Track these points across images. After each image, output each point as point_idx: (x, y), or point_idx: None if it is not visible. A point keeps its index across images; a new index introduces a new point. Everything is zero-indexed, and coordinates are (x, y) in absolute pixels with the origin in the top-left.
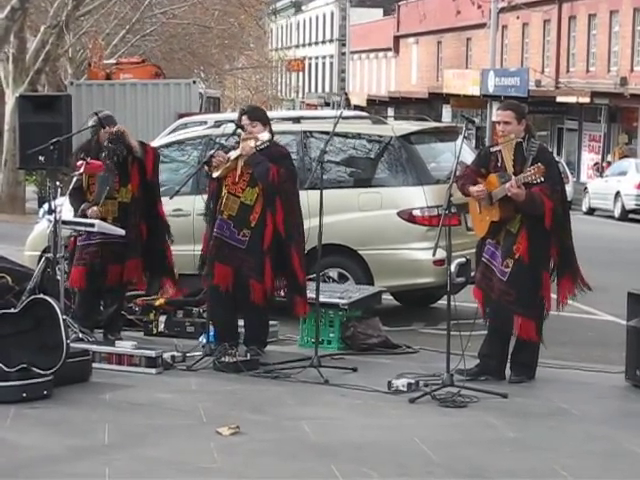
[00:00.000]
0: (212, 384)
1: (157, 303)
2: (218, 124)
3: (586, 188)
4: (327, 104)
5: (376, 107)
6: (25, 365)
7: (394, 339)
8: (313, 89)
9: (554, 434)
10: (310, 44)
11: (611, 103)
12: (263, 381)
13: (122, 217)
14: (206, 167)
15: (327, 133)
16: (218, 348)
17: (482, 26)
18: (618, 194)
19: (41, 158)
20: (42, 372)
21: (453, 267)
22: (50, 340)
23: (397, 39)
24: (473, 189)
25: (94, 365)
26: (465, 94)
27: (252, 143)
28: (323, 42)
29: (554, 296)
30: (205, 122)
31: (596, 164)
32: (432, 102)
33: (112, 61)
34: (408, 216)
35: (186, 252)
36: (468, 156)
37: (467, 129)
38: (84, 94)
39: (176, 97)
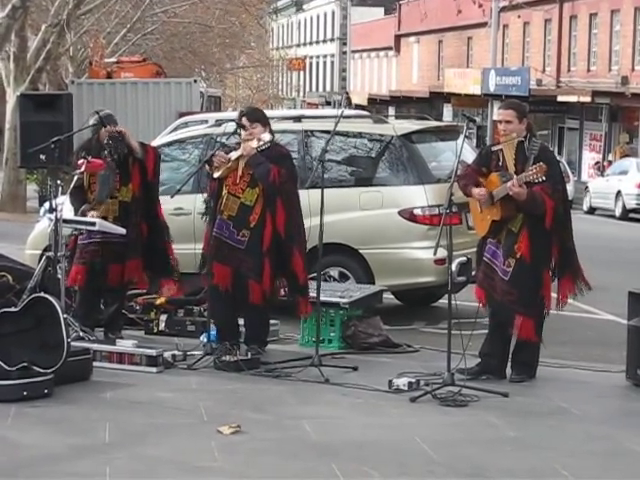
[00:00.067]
0: (213, 383)
1: (158, 302)
2: (219, 123)
3: (587, 187)
4: (328, 103)
5: (377, 106)
6: (26, 364)
7: (395, 338)
8: (314, 88)
9: (554, 433)
10: (311, 43)
11: (612, 102)
12: (264, 380)
13: (123, 216)
14: (207, 166)
15: (328, 132)
16: (219, 347)
17: (483, 25)
18: (619, 193)
19: (42, 157)
20: (43, 371)
21: (454, 266)
22: (51, 339)
23: (398, 38)
24: (475, 191)
25: (95, 364)
26: (466, 93)
27: (254, 144)
28: (324, 41)
29: (554, 295)
30: (206, 121)
31: (597, 163)
32: (433, 101)
33: (113, 60)
34: (409, 215)
35: (187, 251)
36: (469, 155)
37: (468, 128)
38: (85, 93)
39: (177, 96)
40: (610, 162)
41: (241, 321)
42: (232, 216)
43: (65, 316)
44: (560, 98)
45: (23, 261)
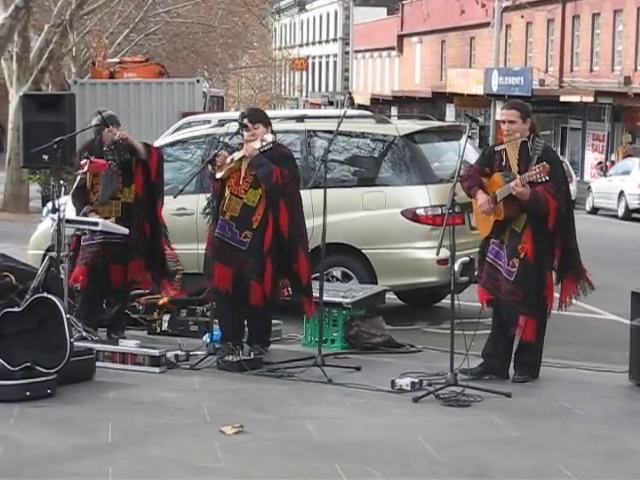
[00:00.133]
0: (216, 383)
1: (161, 302)
2: (222, 123)
3: (590, 187)
4: (331, 103)
5: (380, 106)
6: (29, 364)
7: (398, 338)
8: (317, 88)
9: (557, 433)
10: (314, 43)
11: (615, 102)
12: (267, 380)
13: (125, 217)
14: (210, 166)
15: (331, 132)
16: (222, 347)
17: (486, 25)
18: (622, 193)
19: (45, 157)
20: (46, 371)
21: (457, 266)
22: (54, 339)
23: (401, 38)
24: (480, 201)
25: (98, 364)
26: (469, 93)
27: (256, 145)
28: (327, 41)
29: (557, 295)
30: (209, 121)
31: (600, 163)
32: (436, 101)
33: (116, 60)
34: (412, 215)
35: (189, 251)
36: (472, 155)
37: (471, 128)
38: (88, 93)
39: (180, 96)
40: (613, 162)
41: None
42: (234, 217)
43: (68, 316)
44: (563, 98)
45: (26, 261)
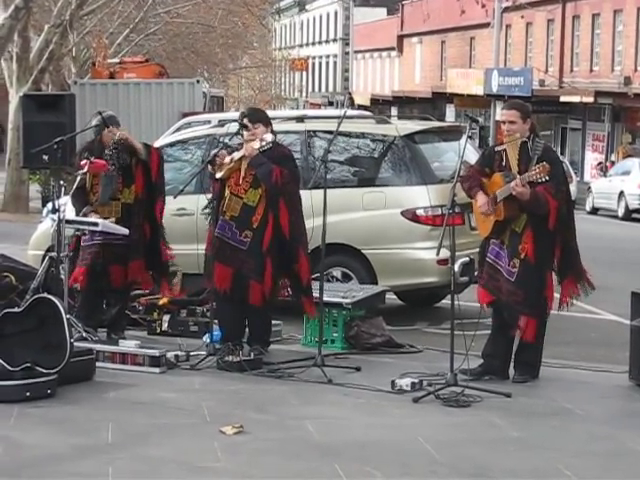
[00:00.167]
0: (216, 383)
1: (161, 302)
2: (222, 123)
3: (590, 188)
4: (331, 103)
5: (380, 106)
6: (29, 364)
7: (398, 338)
8: (317, 88)
9: (558, 434)
10: (314, 43)
11: (615, 103)
12: (267, 380)
13: (125, 218)
14: (210, 166)
15: (331, 132)
16: (222, 347)
17: (486, 25)
18: (622, 194)
19: (45, 157)
20: (46, 371)
21: (457, 266)
22: (54, 339)
23: (401, 38)
24: (479, 202)
25: (98, 364)
26: (469, 93)
27: (256, 144)
28: (327, 41)
29: (557, 295)
30: (209, 121)
31: (600, 164)
32: (436, 101)
33: (116, 60)
34: (412, 215)
35: (190, 251)
36: (472, 155)
37: (471, 128)
38: (88, 93)
39: (180, 96)
40: (613, 162)
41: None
42: (234, 217)
43: (68, 316)
44: (563, 98)
45: (26, 261)
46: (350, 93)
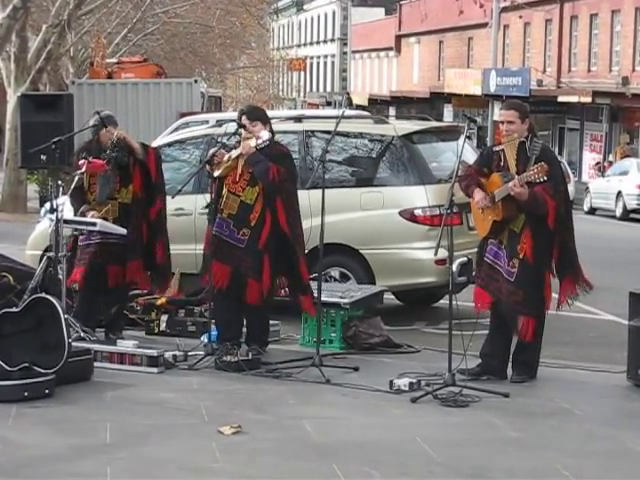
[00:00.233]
0: (214, 383)
1: (159, 302)
2: (220, 123)
3: (587, 188)
4: (329, 103)
5: (377, 106)
6: (27, 364)
7: (396, 338)
8: (315, 88)
9: (556, 434)
10: (312, 43)
11: (613, 103)
12: (265, 380)
13: (122, 218)
14: (208, 166)
15: (329, 132)
16: (220, 347)
17: (484, 25)
18: (619, 194)
19: (43, 157)
20: (44, 371)
21: (455, 267)
22: (52, 339)
23: (399, 38)
24: (475, 198)
25: (96, 364)
26: (467, 94)
27: (252, 142)
28: (325, 41)
29: (555, 296)
30: (207, 121)
31: (597, 164)
32: (434, 101)
33: (114, 60)
34: (410, 215)
35: (188, 251)
36: (470, 155)
37: (469, 128)
38: (85, 93)
39: (178, 96)
40: (611, 163)
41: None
42: (232, 215)
43: (66, 316)
44: (561, 98)
45: (24, 261)
46: (348, 93)
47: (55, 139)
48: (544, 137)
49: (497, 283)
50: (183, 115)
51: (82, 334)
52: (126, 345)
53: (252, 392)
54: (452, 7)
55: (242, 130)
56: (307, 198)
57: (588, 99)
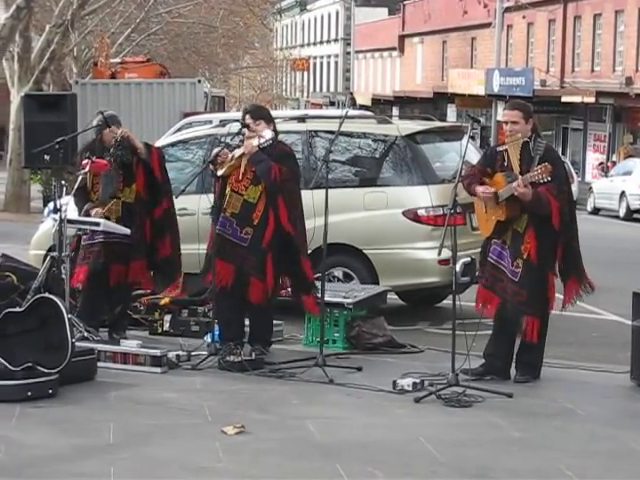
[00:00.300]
0: (217, 383)
1: (162, 302)
2: (223, 123)
3: (591, 188)
4: (332, 103)
5: (381, 106)
6: (30, 364)
7: (399, 338)
8: (318, 88)
9: (559, 434)
10: (315, 43)
11: (616, 103)
12: (268, 380)
13: (126, 217)
14: (211, 166)
15: (332, 132)
16: (223, 347)
17: (487, 26)
18: (623, 194)
19: (46, 157)
20: (47, 371)
21: (458, 267)
22: (55, 339)
23: (402, 38)
24: (479, 189)
25: (99, 364)
26: (470, 94)
27: (255, 141)
28: (328, 41)
29: (559, 296)
30: (210, 121)
31: (601, 164)
32: (437, 102)
33: (117, 60)
34: (413, 215)
35: (191, 251)
36: (473, 156)
37: (472, 128)
38: (89, 93)
39: (181, 96)
40: (614, 163)
41: (246, 321)
42: (235, 213)
43: (69, 316)
44: (564, 99)
45: (27, 261)
46: (351, 93)
47: (58, 139)
48: (547, 137)
49: (502, 283)
50: (186, 115)
51: (86, 334)
52: (129, 345)
53: (255, 392)
54: (455, 7)
55: (245, 129)
56: (311, 198)
57: (591, 99)
